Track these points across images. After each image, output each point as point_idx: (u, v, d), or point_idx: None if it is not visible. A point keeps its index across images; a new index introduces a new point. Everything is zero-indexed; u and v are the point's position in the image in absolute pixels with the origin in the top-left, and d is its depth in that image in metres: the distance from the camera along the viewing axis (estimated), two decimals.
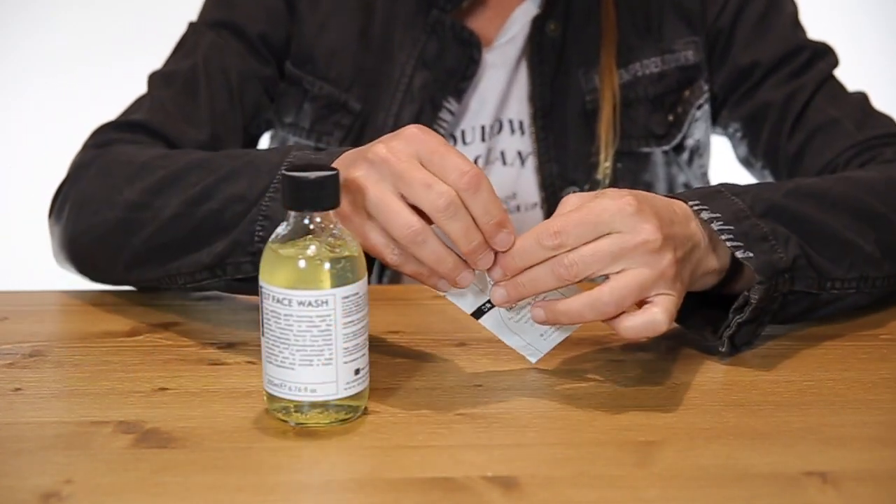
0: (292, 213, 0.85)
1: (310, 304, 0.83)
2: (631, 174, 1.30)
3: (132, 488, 0.79)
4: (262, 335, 0.86)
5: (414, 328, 1.05)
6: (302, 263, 0.84)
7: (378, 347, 1.01)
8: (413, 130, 0.89)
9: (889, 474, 0.81)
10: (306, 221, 0.85)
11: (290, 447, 0.84)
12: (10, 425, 0.87)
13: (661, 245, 0.89)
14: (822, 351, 1.01)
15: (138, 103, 1.24)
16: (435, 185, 0.86)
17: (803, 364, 0.98)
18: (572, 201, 0.90)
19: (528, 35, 1.28)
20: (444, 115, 1.27)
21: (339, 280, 0.84)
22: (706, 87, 1.31)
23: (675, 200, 0.95)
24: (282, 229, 0.85)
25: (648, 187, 1.31)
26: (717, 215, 0.95)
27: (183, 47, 1.28)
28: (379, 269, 1.30)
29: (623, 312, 0.89)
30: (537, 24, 1.28)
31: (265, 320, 0.85)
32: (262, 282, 0.85)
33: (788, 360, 0.99)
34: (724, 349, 0.97)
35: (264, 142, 1.37)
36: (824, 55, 1.28)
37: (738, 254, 0.94)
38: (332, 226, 0.85)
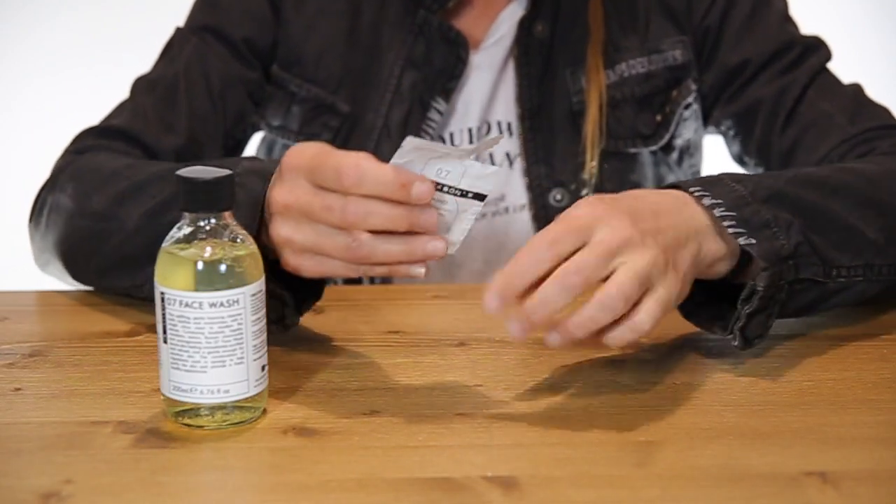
0: (187, 215, 0.85)
1: (221, 304, 0.84)
2: (618, 175, 1.29)
3: (132, 488, 0.79)
4: (165, 342, 0.85)
5: (414, 328, 1.05)
6: (209, 265, 0.84)
7: (378, 347, 1.01)
8: (292, 158, 0.89)
9: (889, 474, 0.81)
10: (202, 223, 0.85)
11: (290, 447, 0.84)
12: (10, 425, 0.87)
13: (641, 239, 0.88)
14: (822, 351, 1.01)
15: (120, 108, 1.25)
16: (332, 204, 0.86)
17: (803, 364, 0.98)
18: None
19: (514, 37, 1.28)
20: (433, 115, 1.27)
21: (245, 278, 0.85)
22: (694, 87, 1.31)
23: (670, 190, 0.95)
24: (176, 232, 0.85)
25: (636, 188, 1.30)
26: (719, 201, 0.95)
27: (167, 53, 1.28)
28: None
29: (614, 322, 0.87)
30: (524, 26, 1.28)
31: (170, 326, 0.85)
32: (162, 288, 0.85)
33: (788, 360, 0.99)
34: (736, 343, 0.95)
35: (254, 144, 1.36)
36: (816, 49, 1.27)
37: (741, 240, 0.94)
38: (227, 225, 0.85)
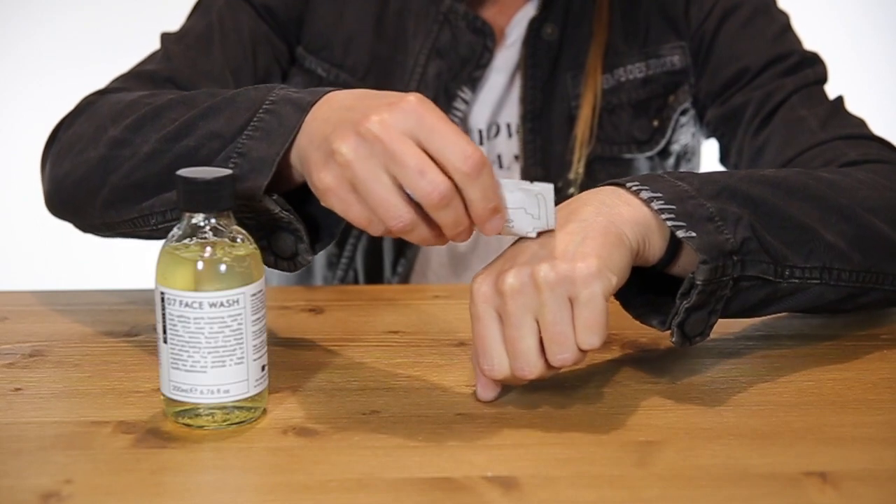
0: (187, 215, 0.85)
1: (221, 304, 0.84)
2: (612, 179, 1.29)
3: (132, 488, 0.79)
4: (165, 342, 0.85)
5: (414, 328, 1.05)
6: (209, 265, 0.84)
7: (378, 347, 1.01)
8: (412, 103, 0.83)
9: (889, 474, 0.82)
10: (202, 223, 0.85)
11: (290, 447, 0.84)
12: (10, 425, 0.87)
13: (530, 279, 0.85)
14: (822, 351, 1.01)
15: (150, 57, 1.23)
16: (428, 172, 0.81)
17: (803, 364, 0.98)
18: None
19: (524, 38, 1.28)
20: (459, 104, 1.28)
21: (246, 278, 0.85)
22: (690, 92, 1.31)
23: (602, 188, 0.92)
24: (176, 232, 0.85)
25: None
26: (659, 195, 0.90)
27: (197, 9, 1.28)
28: (392, 264, 1.30)
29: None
30: (533, 27, 1.28)
31: (170, 326, 0.85)
32: (162, 288, 0.85)
33: (788, 360, 0.99)
34: (673, 339, 0.91)
35: None
36: (813, 64, 1.25)
37: (680, 233, 0.89)
38: (227, 225, 0.85)
